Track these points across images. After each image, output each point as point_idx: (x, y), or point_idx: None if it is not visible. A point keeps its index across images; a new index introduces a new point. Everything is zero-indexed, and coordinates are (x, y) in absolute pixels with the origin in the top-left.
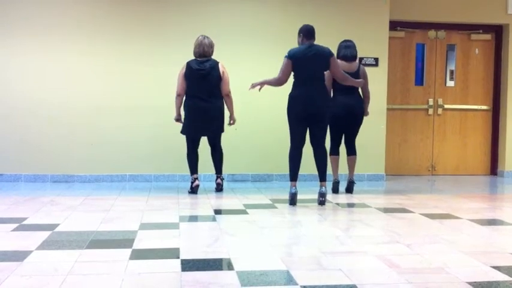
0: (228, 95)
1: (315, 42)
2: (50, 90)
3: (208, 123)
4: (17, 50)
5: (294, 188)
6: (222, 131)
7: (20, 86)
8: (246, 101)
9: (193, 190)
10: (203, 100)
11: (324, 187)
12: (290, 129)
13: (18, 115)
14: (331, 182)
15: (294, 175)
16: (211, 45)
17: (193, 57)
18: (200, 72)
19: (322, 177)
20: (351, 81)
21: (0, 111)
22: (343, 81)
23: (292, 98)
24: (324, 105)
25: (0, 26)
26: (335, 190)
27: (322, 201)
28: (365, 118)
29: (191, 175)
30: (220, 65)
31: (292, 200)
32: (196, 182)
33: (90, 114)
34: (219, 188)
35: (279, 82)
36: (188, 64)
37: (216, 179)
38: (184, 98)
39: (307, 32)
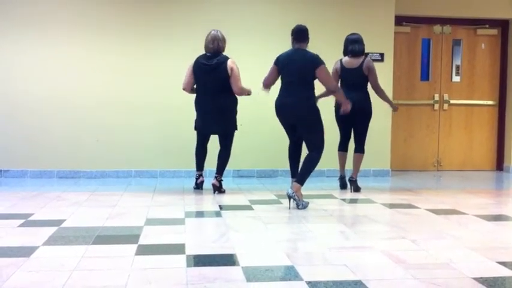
0: (241, 94)
1: (309, 44)
2: (55, 86)
3: (215, 121)
4: (22, 47)
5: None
6: (232, 129)
7: (25, 83)
8: (252, 97)
9: (198, 186)
10: (209, 97)
11: (290, 189)
12: None
13: (24, 111)
14: (338, 178)
15: (291, 172)
16: (224, 40)
17: (203, 52)
18: (205, 67)
19: (298, 177)
20: (339, 96)
21: (6, 108)
22: (333, 92)
23: (275, 104)
24: (304, 112)
25: (3, 24)
26: (342, 186)
27: (296, 204)
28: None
29: (196, 171)
30: (229, 62)
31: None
32: (201, 179)
33: (96, 110)
34: (214, 190)
35: (263, 85)
36: (196, 60)
37: (213, 179)
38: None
39: (296, 34)
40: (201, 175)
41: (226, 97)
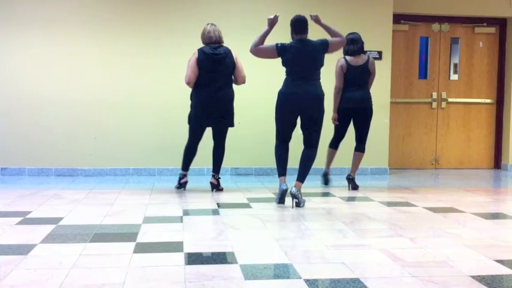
0: (245, 82)
1: (309, 36)
2: (53, 84)
3: (220, 114)
4: (20, 44)
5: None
6: (232, 123)
7: (23, 80)
8: (250, 95)
9: (182, 186)
10: (217, 89)
11: (294, 188)
12: (277, 124)
13: (22, 109)
14: (321, 175)
15: (282, 171)
16: (221, 33)
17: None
18: (216, 57)
19: (301, 175)
20: (338, 35)
21: (4, 106)
22: (340, 36)
23: (282, 93)
24: (318, 105)
25: (2, 21)
26: (325, 182)
27: (296, 203)
28: None
29: (182, 170)
30: (233, 52)
31: (282, 198)
32: (185, 179)
33: (94, 108)
34: (212, 188)
35: (253, 47)
36: (201, 50)
37: (211, 178)
38: (193, 86)
39: (295, 26)
40: (185, 175)
41: (229, 89)
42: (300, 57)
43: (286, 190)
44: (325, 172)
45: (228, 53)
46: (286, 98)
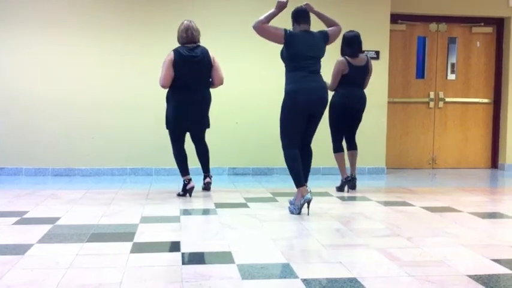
0: (222, 83)
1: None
2: (52, 84)
3: (200, 116)
4: (17, 44)
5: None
6: (209, 126)
7: (20, 80)
8: (246, 94)
9: (188, 192)
10: (196, 90)
11: (309, 194)
12: (288, 127)
13: (19, 109)
14: (341, 181)
15: (302, 179)
16: (198, 30)
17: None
18: (193, 59)
19: (306, 177)
20: (334, 23)
21: (2, 105)
22: (335, 24)
23: (296, 92)
24: (327, 99)
25: (0, 19)
26: (352, 187)
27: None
28: (366, 111)
29: (184, 176)
30: (211, 52)
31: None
32: (192, 184)
33: (91, 107)
34: (208, 187)
35: (258, 23)
36: (177, 51)
37: (205, 178)
38: (169, 89)
39: (299, 15)
40: (190, 180)
41: (207, 91)
42: (308, 47)
43: (311, 200)
44: (346, 177)
45: (205, 54)
46: (302, 95)
